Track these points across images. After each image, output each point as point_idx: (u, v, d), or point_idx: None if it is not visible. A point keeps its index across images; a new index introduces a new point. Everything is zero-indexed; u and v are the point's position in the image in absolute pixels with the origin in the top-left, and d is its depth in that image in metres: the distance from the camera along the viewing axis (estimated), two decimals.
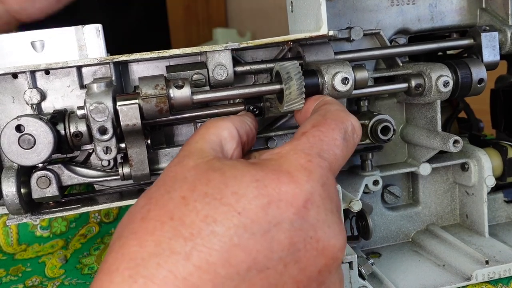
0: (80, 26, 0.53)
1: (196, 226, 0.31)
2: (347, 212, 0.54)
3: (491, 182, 0.60)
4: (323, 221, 0.34)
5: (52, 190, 0.51)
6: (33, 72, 0.51)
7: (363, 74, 0.52)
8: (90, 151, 0.54)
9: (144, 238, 0.31)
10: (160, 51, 0.51)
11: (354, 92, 0.52)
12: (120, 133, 0.47)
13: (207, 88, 0.52)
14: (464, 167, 0.63)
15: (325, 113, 0.39)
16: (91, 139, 0.48)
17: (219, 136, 0.40)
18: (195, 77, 0.52)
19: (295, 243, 0.32)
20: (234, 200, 0.32)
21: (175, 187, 0.34)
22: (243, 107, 0.52)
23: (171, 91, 0.46)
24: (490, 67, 0.59)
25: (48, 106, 0.53)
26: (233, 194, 0.32)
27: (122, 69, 0.54)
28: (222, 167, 0.35)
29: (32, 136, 0.46)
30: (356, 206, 0.53)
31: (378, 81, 0.60)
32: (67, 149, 0.50)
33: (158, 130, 0.55)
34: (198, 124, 0.57)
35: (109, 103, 0.45)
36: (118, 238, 0.33)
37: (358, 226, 0.60)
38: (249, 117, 0.44)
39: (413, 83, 0.56)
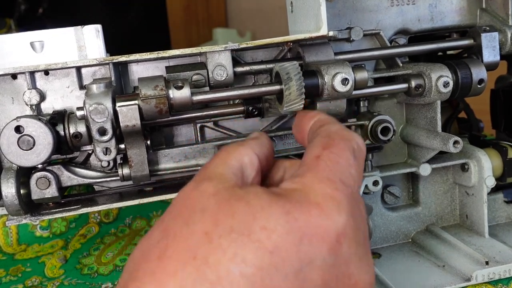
0: (79, 27, 0.53)
1: (224, 268, 0.28)
2: None
3: (491, 182, 0.60)
4: (354, 255, 0.32)
5: (51, 191, 0.51)
6: (32, 73, 0.51)
7: (363, 75, 0.52)
8: (90, 152, 0.54)
9: (165, 281, 0.28)
10: (160, 51, 0.51)
11: (354, 92, 0.52)
12: (119, 134, 0.47)
13: (207, 88, 0.52)
14: (464, 168, 0.63)
15: (329, 133, 0.38)
16: (90, 140, 0.48)
17: (240, 161, 0.37)
18: (195, 77, 0.52)
19: (327, 281, 0.30)
20: (265, 236, 0.29)
21: (195, 219, 0.31)
22: (242, 107, 0.52)
23: (170, 91, 0.46)
24: (490, 67, 0.59)
25: (48, 107, 0.53)
26: (262, 229, 0.29)
27: (121, 69, 0.54)
28: (246, 196, 0.32)
29: (32, 137, 0.46)
30: None
31: (378, 82, 0.60)
32: (67, 150, 0.50)
33: (157, 131, 0.55)
34: (198, 125, 0.57)
35: (108, 104, 0.45)
36: (133, 280, 0.30)
37: None
38: (265, 139, 0.42)
39: (413, 83, 0.56)
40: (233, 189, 0.33)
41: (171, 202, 0.34)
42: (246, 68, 0.54)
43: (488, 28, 0.60)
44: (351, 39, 0.58)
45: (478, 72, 0.57)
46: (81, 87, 0.53)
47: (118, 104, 0.45)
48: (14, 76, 0.52)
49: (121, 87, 0.54)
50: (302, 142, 0.43)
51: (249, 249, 0.29)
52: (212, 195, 0.32)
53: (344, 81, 0.50)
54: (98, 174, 0.54)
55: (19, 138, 0.46)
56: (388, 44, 0.60)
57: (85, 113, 0.45)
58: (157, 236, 0.31)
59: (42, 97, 0.52)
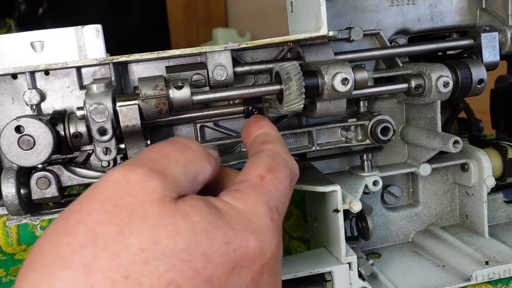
0: (79, 27, 0.53)
1: None
2: (347, 212, 0.54)
3: (491, 182, 0.60)
4: (271, 283, 0.33)
5: (51, 191, 0.51)
6: (32, 73, 0.51)
7: (363, 75, 0.52)
8: (90, 151, 0.54)
9: None
10: (160, 51, 0.51)
11: (354, 92, 0.52)
12: (119, 134, 0.47)
13: (207, 88, 0.52)
14: (464, 168, 0.63)
15: (274, 155, 0.37)
16: (90, 139, 0.48)
17: (199, 173, 0.34)
18: (195, 77, 0.52)
19: None
20: (202, 266, 0.29)
21: (133, 228, 0.28)
22: (242, 107, 0.52)
23: (170, 91, 0.46)
24: (490, 67, 0.59)
25: (48, 107, 0.53)
26: (203, 257, 0.29)
27: (121, 69, 0.54)
28: (192, 214, 0.29)
29: (32, 137, 0.46)
30: (356, 207, 0.53)
31: (378, 82, 0.60)
32: (67, 150, 0.50)
33: (157, 131, 0.55)
34: (198, 125, 0.57)
35: (108, 103, 0.45)
36: (45, 278, 0.27)
37: (358, 227, 0.60)
38: (215, 153, 0.39)
39: (413, 83, 0.56)
40: (181, 202, 0.30)
41: (102, 182, 0.30)
42: (246, 68, 0.54)
43: (488, 28, 0.60)
44: (351, 39, 0.58)
45: (478, 72, 0.57)
46: (81, 87, 0.53)
47: (118, 104, 0.45)
48: (14, 76, 0.52)
49: (121, 87, 0.54)
50: (245, 145, 0.43)
51: (186, 277, 0.28)
52: (158, 201, 0.29)
53: (344, 81, 0.50)
54: (98, 174, 0.54)
55: (19, 138, 0.46)
56: (388, 44, 0.60)
57: (85, 113, 0.45)
58: (82, 238, 0.27)
59: (42, 97, 0.52)
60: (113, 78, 0.52)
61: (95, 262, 0.26)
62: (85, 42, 0.53)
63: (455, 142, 0.55)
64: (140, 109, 0.45)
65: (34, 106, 0.51)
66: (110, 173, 0.30)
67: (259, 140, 0.41)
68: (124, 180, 0.30)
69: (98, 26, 0.54)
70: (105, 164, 0.54)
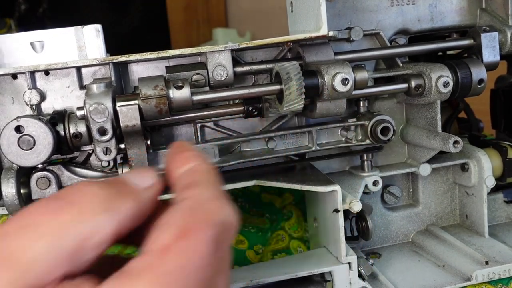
0: (79, 27, 0.53)
1: None
2: (347, 212, 0.54)
3: (491, 182, 0.60)
4: None
5: (51, 191, 0.51)
6: (32, 73, 0.51)
7: (363, 75, 0.52)
8: (90, 151, 0.54)
9: None
10: (160, 51, 0.51)
11: (354, 92, 0.52)
12: (119, 134, 0.47)
13: (207, 88, 0.52)
14: (464, 168, 0.63)
15: (196, 207, 0.28)
16: (90, 139, 0.48)
17: (83, 240, 0.25)
18: (195, 77, 0.52)
19: None
20: None
21: None
22: (242, 107, 0.52)
23: (170, 91, 0.46)
24: (490, 67, 0.59)
25: (48, 107, 0.53)
26: None
27: (121, 69, 0.54)
28: None
29: (32, 137, 0.46)
30: (356, 207, 0.53)
31: (378, 82, 0.60)
32: (67, 150, 0.50)
33: (157, 131, 0.55)
34: (198, 125, 0.57)
35: (108, 103, 0.45)
36: None
37: (358, 227, 0.60)
38: (148, 179, 0.30)
39: (413, 83, 0.56)
40: None
41: None
42: (246, 68, 0.54)
43: (488, 28, 0.60)
44: (351, 39, 0.58)
45: (478, 72, 0.57)
46: (81, 87, 0.53)
47: (118, 104, 0.45)
48: (14, 76, 0.52)
49: (121, 87, 0.54)
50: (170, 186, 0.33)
51: None
52: None
53: (344, 81, 0.50)
54: (98, 174, 0.54)
55: (19, 138, 0.46)
56: (388, 44, 0.60)
57: (85, 113, 0.45)
58: None
59: (42, 97, 0.52)
60: (113, 78, 0.52)
61: None
62: (85, 42, 0.53)
63: (455, 142, 0.55)
64: (140, 109, 0.45)
65: (34, 106, 0.51)
66: None
67: (182, 183, 0.31)
68: None
69: (98, 26, 0.54)
70: (105, 164, 0.54)
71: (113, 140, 0.47)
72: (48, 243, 0.24)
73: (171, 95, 0.46)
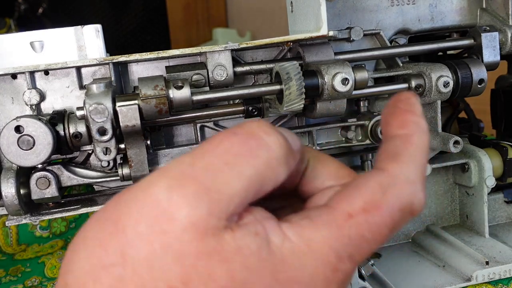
0: (79, 27, 0.53)
1: None
2: None
3: (491, 182, 0.60)
4: None
5: (51, 191, 0.51)
6: (32, 73, 0.51)
7: (363, 75, 0.52)
8: (90, 151, 0.54)
9: None
10: (160, 51, 0.51)
11: (354, 92, 0.52)
12: (119, 134, 0.47)
13: (207, 88, 0.52)
14: (464, 168, 0.63)
15: (390, 185, 0.28)
16: (90, 140, 0.48)
17: (265, 181, 0.28)
18: (195, 77, 0.52)
19: None
20: None
21: (163, 263, 0.25)
22: (242, 107, 0.52)
23: (170, 91, 0.46)
24: (491, 67, 0.59)
25: (48, 107, 0.53)
26: None
27: (121, 69, 0.54)
28: (233, 259, 0.25)
29: (32, 137, 0.46)
30: None
31: (378, 82, 0.60)
32: (67, 150, 0.50)
33: (157, 131, 0.55)
34: (198, 125, 0.57)
35: (108, 103, 0.45)
36: None
37: None
38: (297, 144, 0.31)
39: (413, 83, 0.56)
40: (228, 236, 0.25)
41: (143, 192, 0.26)
42: (246, 68, 0.54)
43: (488, 28, 0.60)
44: (351, 39, 0.58)
45: (478, 72, 0.57)
46: (81, 87, 0.53)
47: (118, 104, 0.45)
48: (14, 76, 0.52)
49: (121, 87, 0.54)
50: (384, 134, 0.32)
51: None
52: (199, 236, 0.25)
53: (344, 81, 0.50)
54: (98, 174, 0.54)
55: (19, 138, 0.46)
56: (388, 44, 0.60)
57: (85, 113, 0.45)
58: (112, 256, 0.25)
59: (42, 97, 0.52)
60: (113, 78, 0.52)
61: (120, 286, 0.25)
62: (85, 42, 0.53)
63: (455, 142, 0.55)
64: (140, 109, 0.45)
65: (34, 106, 0.51)
66: (154, 184, 0.26)
67: (389, 149, 0.30)
68: (166, 200, 0.25)
69: (98, 26, 0.54)
70: (105, 164, 0.54)
71: (113, 140, 0.47)
72: (248, 180, 0.27)
73: (171, 95, 0.46)
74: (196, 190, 0.25)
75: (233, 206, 0.26)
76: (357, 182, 0.29)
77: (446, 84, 0.55)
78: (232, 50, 0.52)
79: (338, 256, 0.27)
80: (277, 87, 0.48)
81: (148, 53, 0.51)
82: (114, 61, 0.50)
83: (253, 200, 0.27)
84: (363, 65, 0.53)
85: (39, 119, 0.47)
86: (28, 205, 0.51)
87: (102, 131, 0.45)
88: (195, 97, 0.48)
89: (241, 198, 0.26)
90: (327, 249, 0.27)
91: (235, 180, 0.26)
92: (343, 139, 0.60)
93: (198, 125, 0.57)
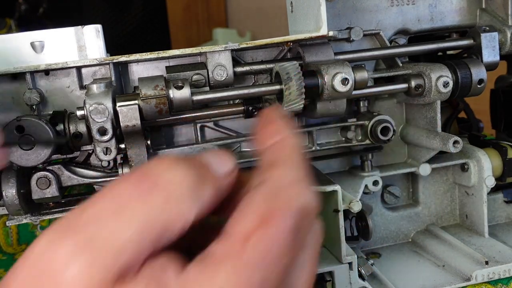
0: (79, 27, 0.53)
1: None
2: (347, 212, 0.54)
3: (491, 182, 0.60)
4: None
5: (52, 191, 0.51)
6: (32, 73, 0.51)
7: (363, 75, 0.52)
8: (90, 151, 0.54)
9: None
10: (160, 51, 0.51)
11: (354, 92, 0.52)
12: (120, 134, 0.47)
13: (207, 88, 0.52)
14: (464, 168, 0.63)
15: (277, 191, 0.27)
16: (90, 139, 0.48)
17: (164, 222, 0.25)
18: (195, 77, 0.52)
19: None
20: None
21: None
22: (242, 107, 0.52)
23: (170, 91, 0.46)
24: (490, 67, 0.59)
25: (48, 107, 0.53)
26: None
27: (121, 69, 0.54)
28: None
29: (32, 137, 0.46)
30: (356, 207, 0.53)
31: (378, 82, 0.60)
32: (67, 150, 0.50)
33: (157, 131, 0.55)
34: (198, 125, 0.57)
35: (108, 103, 0.45)
36: None
37: (358, 227, 0.60)
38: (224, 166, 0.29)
39: (413, 83, 0.56)
40: None
41: (30, 248, 0.24)
42: (246, 68, 0.54)
43: (488, 28, 0.60)
44: (351, 39, 0.58)
45: (478, 72, 0.57)
46: (82, 87, 0.53)
47: (118, 104, 0.45)
48: (14, 76, 0.52)
49: (121, 87, 0.54)
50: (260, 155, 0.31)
51: None
52: None
53: (344, 81, 0.50)
54: (98, 174, 0.54)
55: (19, 138, 0.46)
56: (388, 44, 0.60)
57: (86, 113, 0.45)
58: None
59: (43, 97, 0.52)
60: (113, 78, 0.52)
61: None
62: (85, 42, 0.53)
63: (455, 142, 0.55)
64: (140, 109, 0.46)
65: (34, 106, 0.51)
66: (37, 240, 0.24)
67: (266, 159, 0.30)
68: (48, 254, 0.24)
69: (98, 26, 0.54)
70: (105, 164, 0.54)
71: (113, 140, 0.47)
72: (139, 228, 0.24)
73: (171, 95, 0.46)
74: (76, 243, 0.23)
75: (125, 257, 0.23)
76: (245, 200, 0.27)
77: (445, 84, 0.55)
78: (232, 50, 0.52)
79: (250, 284, 0.24)
80: (277, 87, 0.49)
81: (148, 53, 0.51)
82: (114, 61, 0.50)
83: (160, 246, 0.25)
84: (363, 65, 0.53)
85: (40, 119, 0.47)
86: (29, 205, 0.51)
87: (103, 131, 0.45)
88: (195, 97, 0.48)
89: (134, 248, 0.24)
90: (235, 282, 0.24)
91: (123, 230, 0.24)
92: (343, 139, 0.60)
93: (198, 125, 0.57)
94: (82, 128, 0.48)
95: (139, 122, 0.46)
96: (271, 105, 0.53)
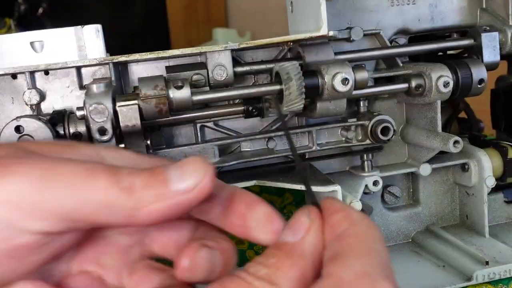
0: (79, 27, 0.53)
1: None
2: None
3: (491, 182, 0.60)
4: None
5: None
6: (32, 73, 0.51)
7: (363, 75, 0.52)
8: None
9: None
10: (160, 51, 0.51)
11: (354, 92, 0.52)
12: (119, 134, 0.47)
13: (207, 88, 0.52)
14: (464, 168, 0.63)
15: (335, 286, 0.25)
16: (90, 139, 0.48)
17: None
18: (195, 77, 0.52)
19: None
20: None
21: None
22: (242, 107, 0.52)
23: (170, 91, 0.46)
24: (491, 67, 0.59)
25: (48, 107, 0.53)
26: None
27: (121, 69, 0.54)
28: None
29: (32, 137, 0.46)
30: (356, 207, 0.53)
31: (378, 82, 0.60)
32: None
33: (157, 131, 0.55)
34: (198, 125, 0.57)
35: (108, 103, 0.45)
36: None
37: None
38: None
39: (413, 83, 0.56)
40: None
41: None
42: (246, 68, 0.54)
43: (488, 28, 0.60)
44: (351, 39, 0.58)
45: (478, 72, 0.57)
46: (81, 87, 0.53)
47: (118, 104, 0.45)
48: (14, 76, 0.52)
49: (121, 87, 0.54)
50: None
51: None
52: None
53: (344, 81, 0.50)
54: None
55: (19, 138, 0.46)
56: (388, 44, 0.60)
57: (85, 113, 0.45)
58: None
59: (42, 97, 0.52)
60: (113, 78, 0.52)
61: None
62: (85, 42, 0.53)
63: (455, 142, 0.55)
64: (140, 109, 0.45)
65: (34, 106, 0.51)
66: None
67: (328, 253, 0.27)
68: None
69: (98, 26, 0.54)
70: None
71: (113, 140, 0.46)
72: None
73: (171, 95, 0.46)
74: None
75: None
76: None
77: (446, 84, 0.55)
78: (232, 50, 0.52)
79: None
80: (277, 87, 0.48)
81: (148, 53, 0.51)
82: (114, 61, 0.50)
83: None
84: (363, 65, 0.53)
85: (39, 119, 0.47)
86: None
87: (102, 131, 0.45)
88: (195, 97, 0.48)
89: None
90: None
91: None
92: (343, 139, 0.60)
93: (198, 125, 0.57)
94: (81, 128, 0.48)
95: (139, 122, 0.46)
96: (271, 105, 0.53)
